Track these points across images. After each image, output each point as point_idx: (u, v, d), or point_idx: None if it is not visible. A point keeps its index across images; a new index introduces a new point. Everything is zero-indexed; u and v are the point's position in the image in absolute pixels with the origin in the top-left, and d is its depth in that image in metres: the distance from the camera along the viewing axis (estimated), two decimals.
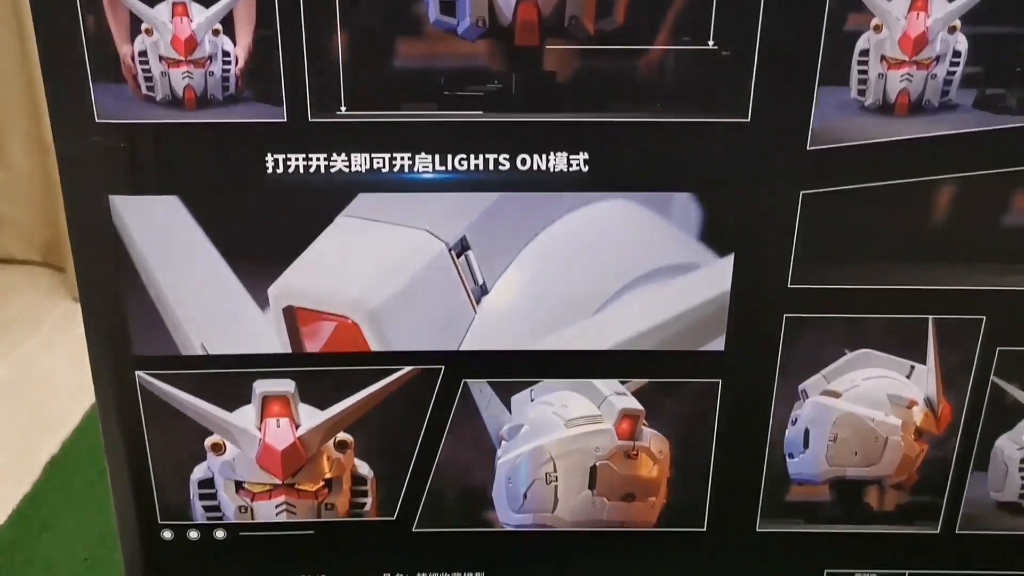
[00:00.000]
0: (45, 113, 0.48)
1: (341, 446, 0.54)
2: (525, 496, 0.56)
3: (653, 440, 0.55)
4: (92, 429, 1.01)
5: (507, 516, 0.56)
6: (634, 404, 0.54)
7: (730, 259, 0.51)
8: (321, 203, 0.49)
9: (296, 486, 0.55)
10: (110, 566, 0.85)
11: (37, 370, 1.22)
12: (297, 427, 0.53)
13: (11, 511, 0.91)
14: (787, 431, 0.55)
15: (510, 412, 0.54)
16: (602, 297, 0.51)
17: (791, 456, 0.56)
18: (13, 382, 1.20)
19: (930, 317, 0.52)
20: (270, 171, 0.49)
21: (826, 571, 0.59)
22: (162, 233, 0.49)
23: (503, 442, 0.55)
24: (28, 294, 1.40)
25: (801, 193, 0.49)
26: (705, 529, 0.58)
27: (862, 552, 0.59)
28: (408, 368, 0.52)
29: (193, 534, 0.56)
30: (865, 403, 0.55)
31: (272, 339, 0.51)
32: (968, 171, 0.50)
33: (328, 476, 0.55)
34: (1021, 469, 0.57)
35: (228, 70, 0.48)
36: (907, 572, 0.60)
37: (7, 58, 1.31)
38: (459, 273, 0.50)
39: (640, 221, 0.50)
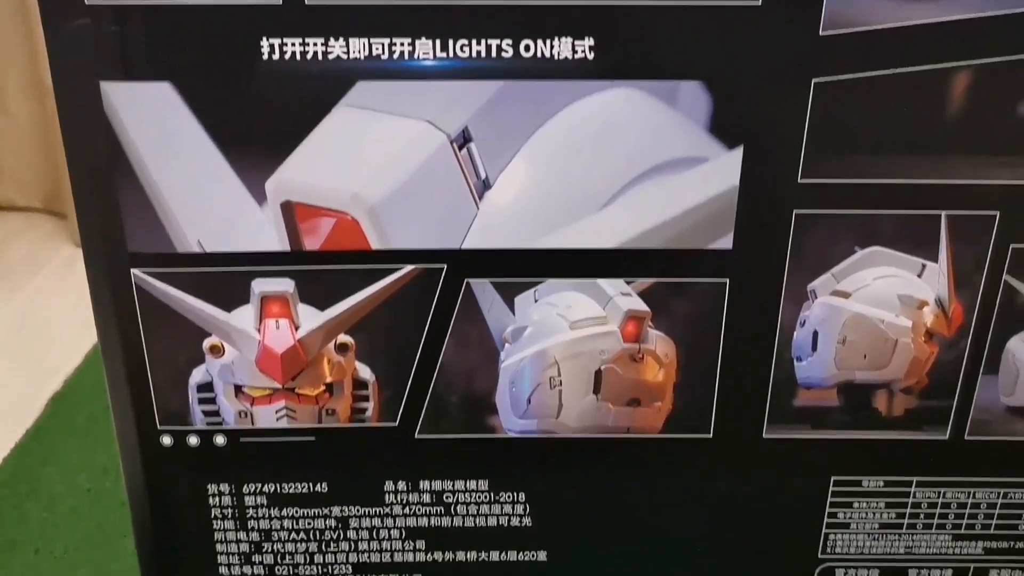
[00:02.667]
0: (44, 59, 0.45)
1: (342, 348, 0.51)
2: (529, 401, 0.53)
3: (659, 343, 0.52)
4: (95, 368, 1.00)
5: (511, 422, 0.53)
6: (640, 305, 0.51)
7: (739, 152, 0.48)
8: (319, 92, 0.46)
9: (296, 390, 0.52)
10: (113, 496, 0.84)
11: (39, 313, 1.20)
12: (297, 329, 0.50)
13: (13, 445, 0.88)
14: (795, 333, 0.52)
15: (514, 313, 0.50)
16: (608, 192, 0.48)
17: (799, 360, 0.53)
18: (15, 324, 1.18)
19: (943, 213, 0.50)
20: (266, 57, 0.47)
21: (833, 478, 0.56)
22: (155, 123, 0.46)
23: (506, 345, 0.51)
24: (29, 240, 1.38)
25: (813, 81, 0.46)
26: (711, 436, 0.54)
27: (869, 459, 0.56)
28: (409, 267, 0.49)
29: (193, 440, 0.53)
30: (875, 304, 0.52)
31: (271, 236, 0.48)
32: (987, 57, 0.46)
33: (329, 380, 0.52)
34: None
35: None
36: (915, 479, 0.56)
37: (4, 3, 1.28)
38: (461, 167, 0.47)
39: (647, 111, 0.47)
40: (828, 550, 0.59)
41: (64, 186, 1.39)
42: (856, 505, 0.58)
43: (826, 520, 0.58)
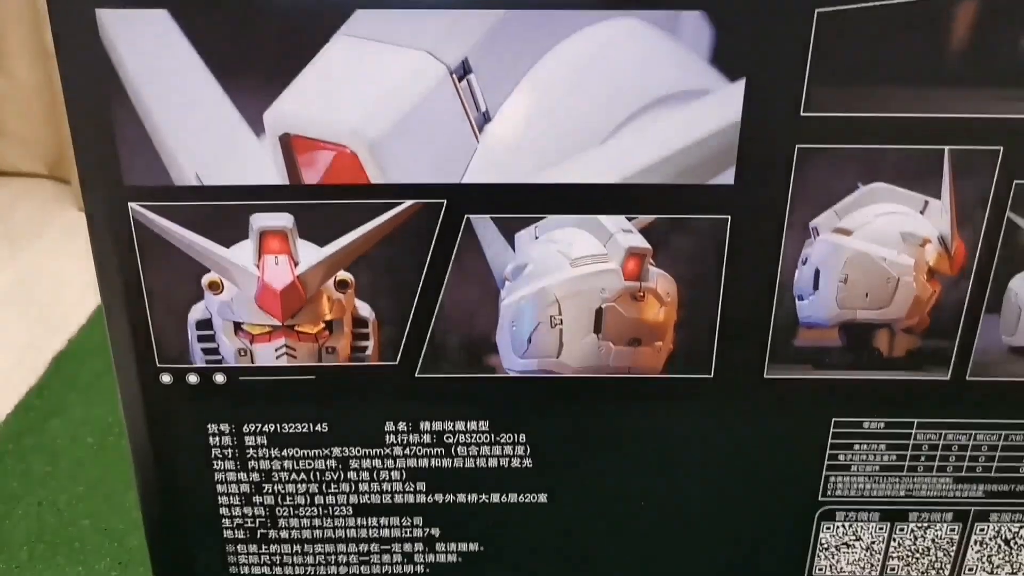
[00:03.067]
0: (47, 23, 0.44)
1: (341, 286, 0.50)
2: (530, 340, 0.52)
3: (660, 281, 0.51)
4: (98, 327, 1.00)
5: (511, 361, 0.53)
6: (641, 242, 0.50)
7: (741, 84, 0.47)
8: (317, 20, 0.46)
9: (296, 328, 0.51)
10: (116, 451, 0.84)
11: (43, 274, 1.19)
12: (296, 265, 0.49)
13: (17, 402, 0.88)
14: (797, 272, 0.51)
15: (514, 250, 0.50)
16: (609, 125, 0.48)
17: (800, 298, 0.52)
18: (18, 285, 1.17)
19: (946, 148, 0.49)
20: None
21: (834, 420, 0.55)
22: (152, 52, 0.45)
23: (507, 283, 0.50)
24: (34, 204, 1.38)
25: (816, 11, 0.45)
26: (712, 376, 0.53)
27: (870, 400, 0.56)
28: (409, 202, 0.48)
29: (192, 378, 0.52)
30: (877, 241, 0.51)
31: (269, 169, 0.47)
32: None
33: (328, 318, 0.51)
34: None
35: None
36: (916, 421, 0.56)
37: None
38: (461, 99, 0.46)
39: (648, 42, 0.46)
40: (828, 492, 0.58)
41: (68, 152, 1.38)
42: (857, 447, 0.57)
43: (827, 462, 0.57)
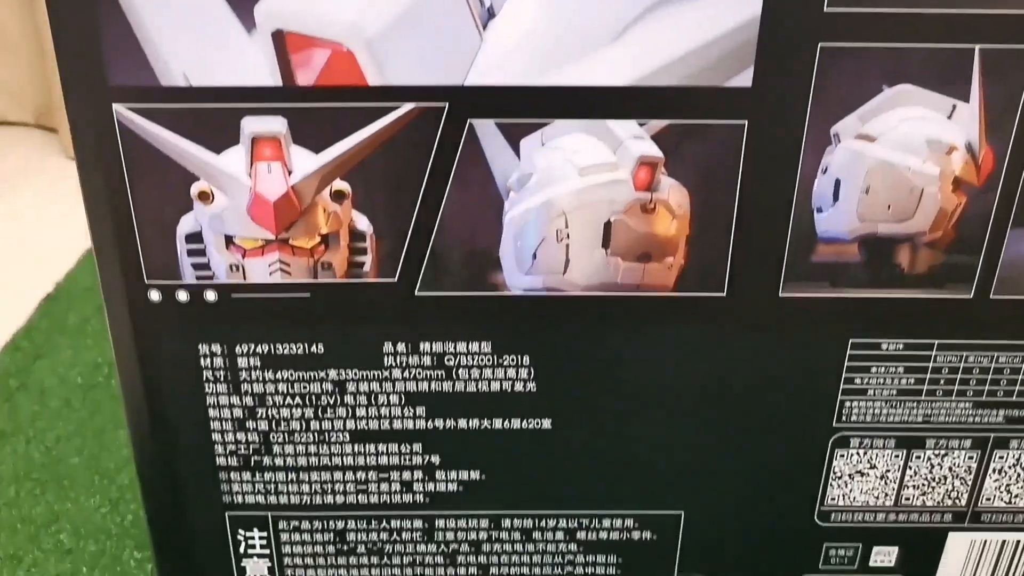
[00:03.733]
0: None
1: (338, 196, 0.46)
2: (535, 256, 0.48)
3: (672, 192, 0.47)
4: (87, 271, 0.98)
5: (515, 279, 0.49)
6: (653, 150, 0.46)
7: None
8: None
9: (290, 242, 0.47)
10: (106, 390, 0.81)
11: (30, 220, 1.16)
12: (290, 174, 0.45)
13: (4, 343, 0.84)
14: (816, 181, 0.47)
15: (519, 158, 0.46)
16: (620, 23, 0.44)
17: (819, 211, 0.49)
18: (6, 231, 1.13)
19: (976, 47, 0.45)
20: None
21: (851, 341, 0.51)
22: None
23: (511, 194, 0.46)
24: (21, 152, 1.35)
25: None
26: (725, 294, 0.49)
27: (889, 321, 0.52)
28: (409, 106, 0.45)
29: (182, 296, 0.49)
30: (902, 149, 0.48)
31: (261, 70, 0.43)
32: None
33: (324, 231, 0.47)
34: None
35: None
36: (936, 342, 0.52)
37: None
38: None
39: None
40: (843, 418, 0.55)
41: (57, 101, 1.36)
42: (874, 370, 0.53)
43: (842, 386, 0.54)
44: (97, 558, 0.66)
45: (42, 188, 1.32)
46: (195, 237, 0.48)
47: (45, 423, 0.81)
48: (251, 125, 0.46)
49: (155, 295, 0.50)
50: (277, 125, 0.46)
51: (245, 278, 0.50)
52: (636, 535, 0.60)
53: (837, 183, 0.49)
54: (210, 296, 0.50)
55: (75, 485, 0.74)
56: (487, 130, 0.47)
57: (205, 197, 0.47)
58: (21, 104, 1.47)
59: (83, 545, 0.68)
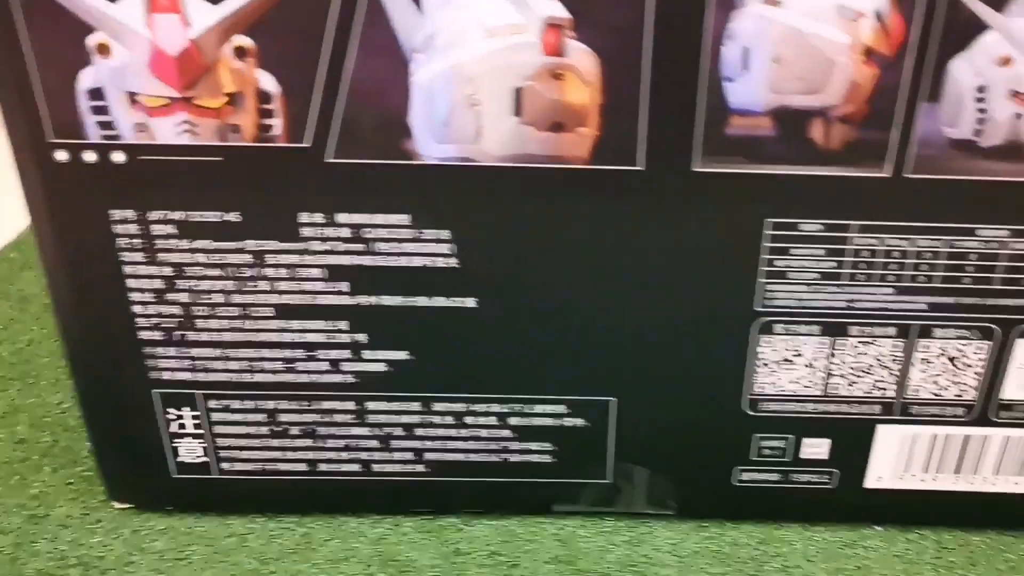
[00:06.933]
0: None
1: (241, 53, 0.42)
2: (446, 124, 0.44)
3: (581, 57, 0.43)
4: None
5: (428, 147, 0.45)
6: (560, 10, 0.42)
7: None
8: None
9: (195, 101, 0.44)
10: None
11: None
12: (189, 26, 0.41)
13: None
14: (723, 48, 0.43)
15: (422, 14, 0.42)
16: None
17: (730, 80, 0.44)
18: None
19: None
20: None
21: (768, 220, 0.47)
22: None
23: (416, 56, 0.42)
24: None
25: None
26: (642, 168, 0.45)
27: (807, 200, 0.48)
28: None
29: (90, 156, 0.45)
30: (811, 15, 0.43)
31: None
32: None
33: (230, 90, 0.44)
34: (978, 100, 0.45)
35: None
36: (854, 223, 0.48)
37: None
38: None
39: None
40: (766, 303, 0.50)
41: None
42: (793, 252, 0.49)
43: (762, 268, 0.49)
44: (49, 448, 0.63)
45: None
46: (97, 93, 0.45)
47: (21, 327, 0.78)
48: None
49: (62, 155, 0.47)
50: None
51: (153, 138, 0.46)
52: (568, 422, 0.56)
53: (746, 51, 0.45)
54: (118, 157, 0.47)
55: (39, 383, 0.70)
56: None
57: (103, 50, 0.44)
58: None
59: (38, 436, 0.64)
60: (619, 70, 0.47)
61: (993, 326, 0.54)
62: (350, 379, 0.56)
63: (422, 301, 0.53)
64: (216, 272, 0.52)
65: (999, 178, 0.49)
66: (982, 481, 0.59)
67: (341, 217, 0.50)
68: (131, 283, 0.52)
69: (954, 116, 0.48)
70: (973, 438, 0.58)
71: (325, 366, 0.55)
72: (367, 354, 0.55)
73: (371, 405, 0.57)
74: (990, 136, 0.48)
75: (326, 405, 0.57)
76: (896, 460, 0.59)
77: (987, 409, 0.56)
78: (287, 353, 0.55)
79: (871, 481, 0.60)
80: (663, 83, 0.47)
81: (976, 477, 0.59)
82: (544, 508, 0.61)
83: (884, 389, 0.56)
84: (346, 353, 0.55)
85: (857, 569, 0.58)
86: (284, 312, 0.53)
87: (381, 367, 0.55)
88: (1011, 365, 0.55)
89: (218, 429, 0.57)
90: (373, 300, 0.53)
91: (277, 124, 0.47)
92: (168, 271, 0.52)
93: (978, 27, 0.45)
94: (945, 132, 0.48)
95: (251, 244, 0.51)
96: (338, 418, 0.57)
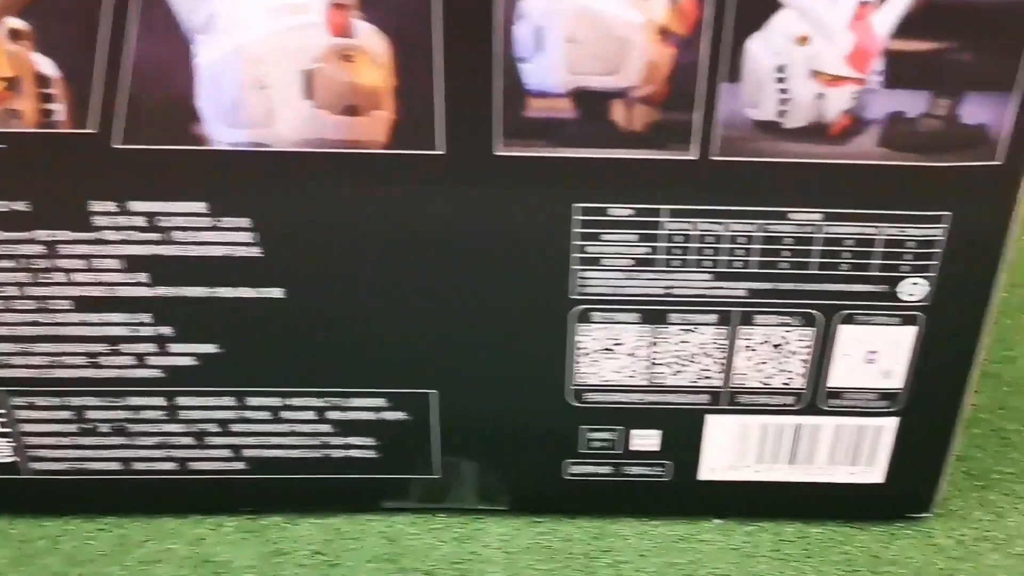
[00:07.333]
0: None
1: (15, 35, 0.40)
2: (236, 107, 0.42)
3: (371, 38, 0.42)
4: None
5: (220, 132, 0.44)
6: None
7: None
8: None
9: None
10: None
11: None
12: None
13: None
14: (515, 28, 0.42)
15: None
16: None
17: (525, 61, 0.43)
18: None
19: None
20: None
21: (575, 205, 0.46)
22: None
23: (198, 36, 0.41)
24: None
25: None
26: (442, 152, 0.44)
27: (614, 184, 0.47)
28: None
29: None
30: None
31: None
32: None
33: (7, 74, 0.41)
34: (779, 80, 0.44)
35: None
36: (665, 207, 0.47)
37: None
38: None
39: None
40: (581, 290, 0.49)
41: None
42: (604, 237, 0.48)
43: (575, 255, 0.48)
44: None
45: None
46: None
47: None
48: None
49: None
50: None
51: None
52: (389, 416, 0.55)
53: (539, 31, 0.44)
54: None
55: None
56: None
57: None
58: None
59: None
60: (410, 51, 0.45)
61: (814, 312, 0.53)
62: (158, 373, 0.54)
63: (226, 292, 0.51)
64: (8, 264, 0.49)
65: (807, 160, 0.48)
66: (817, 471, 0.59)
67: (134, 205, 0.49)
68: None
69: (756, 97, 0.47)
70: (804, 427, 0.57)
71: (131, 360, 0.53)
72: (174, 347, 0.53)
73: (182, 400, 0.55)
74: (794, 117, 0.47)
75: (134, 401, 0.55)
76: (729, 451, 0.58)
77: (815, 397, 0.56)
78: (90, 347, 0.53)
79: (705, 473, 0.59)
80: (456, 64, 0.46)
81: (811, 467, 0.58)
82: (373, 505, 0.60)
83: (710, 378, 0.55)
84: (152, 347, 0.53)
85: (690, 563, 0.57)
86: (83, 304, 0.51)
87: (189, 361, 0.53)
88: (836, 352, 0.54)
89: (25, 427, 0.55)
90: (175, 291, 0.51)
91: (60, 109, 0.45)
92: None
93: (773, 4, 0.44)
94: (748, 113, 0.47)
95: (42, 234, 0.49)
96: (148, 414, 0.55)
